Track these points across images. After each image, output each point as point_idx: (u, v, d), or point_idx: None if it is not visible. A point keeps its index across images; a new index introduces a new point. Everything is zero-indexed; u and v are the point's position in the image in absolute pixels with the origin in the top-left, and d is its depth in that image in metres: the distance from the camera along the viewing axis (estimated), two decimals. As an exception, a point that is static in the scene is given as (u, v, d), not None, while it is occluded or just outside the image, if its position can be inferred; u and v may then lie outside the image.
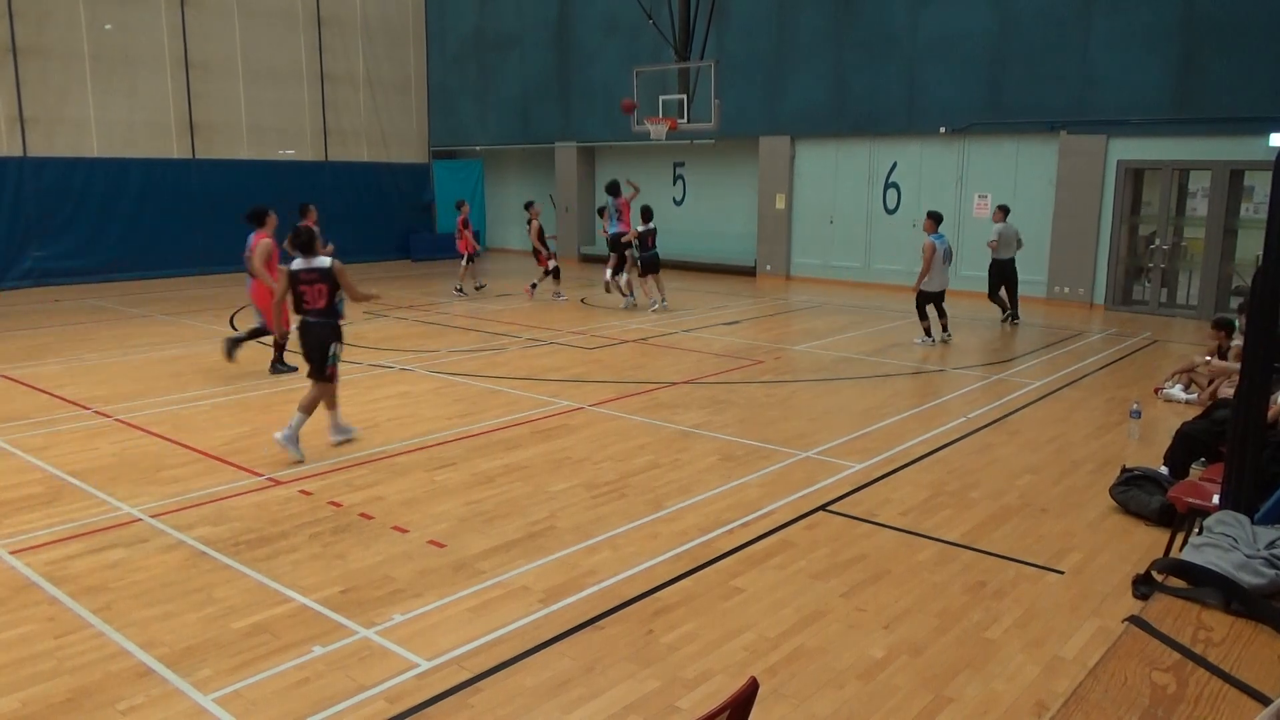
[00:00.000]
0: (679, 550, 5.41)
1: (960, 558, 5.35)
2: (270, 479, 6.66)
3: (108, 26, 18.00)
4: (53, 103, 17.50)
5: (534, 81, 23.65)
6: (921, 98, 17.25)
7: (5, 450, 7.36)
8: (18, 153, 17.15)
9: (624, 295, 15.43)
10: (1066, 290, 16.01)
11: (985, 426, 8.21)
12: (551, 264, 16.07)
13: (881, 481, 6.71)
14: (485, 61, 24.72)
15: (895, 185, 18.13)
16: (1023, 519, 5.99)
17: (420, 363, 10.78)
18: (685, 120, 17.58)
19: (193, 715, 3.76)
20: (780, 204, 19.61)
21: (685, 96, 17.75)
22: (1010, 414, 8.67)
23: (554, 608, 4.68)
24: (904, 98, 17.48)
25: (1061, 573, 5.15)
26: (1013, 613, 4.66)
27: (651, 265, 14.92)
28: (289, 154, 21.07)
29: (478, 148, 25.58)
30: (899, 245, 17.86)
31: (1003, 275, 13.90)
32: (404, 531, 5.69)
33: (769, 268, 19.93)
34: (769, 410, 8.75)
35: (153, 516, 5.92)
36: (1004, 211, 13.92)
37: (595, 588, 4.90)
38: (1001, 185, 16.73)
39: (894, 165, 18.08)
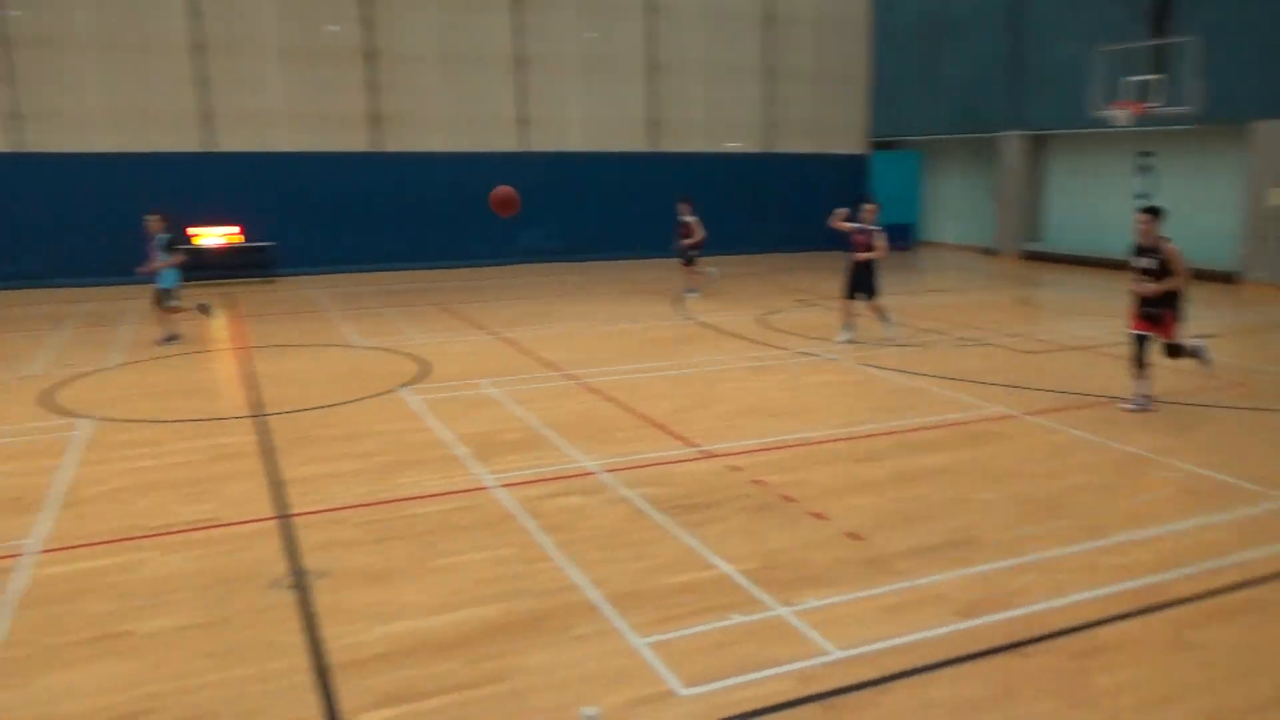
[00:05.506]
0: (1122, 587, 4.87)
1: None
2: (704, 451, 7.20)
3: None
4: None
5: (981, 66, 22.36)
6: None
7: (496, 400, 8.82)
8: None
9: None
10: None
11: None
12: None
13: (1406, 547, 5.42)
14: (930, 48, 23.92)
15: None
16: None
17: (844, 352, 10.87)
18: (1157, 104, 15.55)
19: (628, 654, 4.23)
20: (1276, 199, 16.47)
21: (1158, 77, 15.70)
22: None
23: (973, 623, 4.49)
24: None
25: None
26: None
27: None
28: (736, 146, 22.59)
29: (917, 138, 24.90)
30: None
31: None
32: (823, 519, 5.82)
33: (1259, 274, 16.87)
34: (1248, 442, 7.48)
35: (606, 471, 6.72)
36: None
37: (1021, 610, 4.60)
38: None
39: None
